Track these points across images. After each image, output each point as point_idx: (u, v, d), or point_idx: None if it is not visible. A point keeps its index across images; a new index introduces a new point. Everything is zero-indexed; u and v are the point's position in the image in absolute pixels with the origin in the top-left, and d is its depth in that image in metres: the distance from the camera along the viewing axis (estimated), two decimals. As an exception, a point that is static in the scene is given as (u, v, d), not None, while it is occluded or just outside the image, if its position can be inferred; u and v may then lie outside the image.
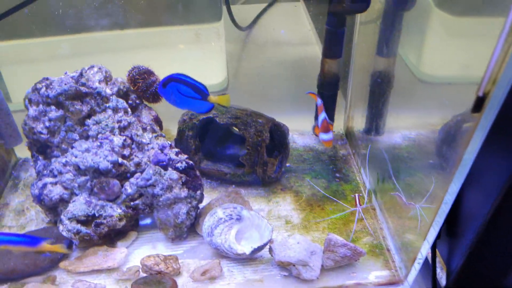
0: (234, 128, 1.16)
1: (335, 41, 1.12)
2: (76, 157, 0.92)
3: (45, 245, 0.84)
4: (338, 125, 1.28)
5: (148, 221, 1.02)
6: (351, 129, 1.24)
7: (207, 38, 1.49)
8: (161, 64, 1.31)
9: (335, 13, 1.06)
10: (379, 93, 1.12)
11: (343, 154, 1.20)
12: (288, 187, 1.11)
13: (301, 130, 1.29)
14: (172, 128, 1.25)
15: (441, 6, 1.03)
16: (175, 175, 0.94)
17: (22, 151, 1.15)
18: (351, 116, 1.24)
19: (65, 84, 0.92)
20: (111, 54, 1.41)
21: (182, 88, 0.81)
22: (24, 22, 1.19)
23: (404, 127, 1.16)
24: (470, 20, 0.87)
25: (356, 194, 1.05)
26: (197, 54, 1.48)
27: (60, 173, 0.93)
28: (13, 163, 1.15)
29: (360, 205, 1.03)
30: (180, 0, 1.36)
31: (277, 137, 1.14)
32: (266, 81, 1.54)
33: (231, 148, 1.20)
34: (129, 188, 0.93)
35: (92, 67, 1.00)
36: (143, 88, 1.06)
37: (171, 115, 1.16)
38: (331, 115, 1.22)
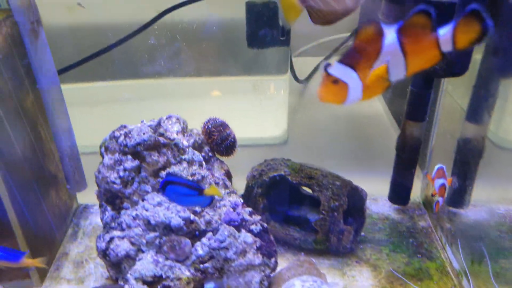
0: (306, 188, 1.09)
1: (420, 103, 1.05)
2: (147, 210, 0.87)
3: (27, 260, 0.80)
4: (415, 193, 1.18)
5: (211, 285, 0.93)
6: (430, 198, 1.14)
7: (272, 90, 1.46)
8: (228, 113, 1.28)
9: (423, 74, 1.00)
10: (466, 161, 1.03)
11: (423, 226, 1.10)
12: (364, 259, 1.01)
13: (373, 194, 1.20)
14: (236, 183, 1.19)
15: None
16: (250, 238, 0.87)
17: (82, 197, 1.11)
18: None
19: (144, 134, 0.88)
20: (176, 101, 1.40)
21: (179, 188, 0.79)
22: (88, 65, 1.20)
23: (491, 200, 1.05)
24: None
25: None
26: (261, 105, 1.45)
27: (129, 227, 0.87)
28: (74, 209, 1.10)
29: None
30: (250, 51, 1.35)
31: (354, 202, 1.05)
32: (326, 137, 1.48)
33: (300, 210, 1.12)
34: (200, 249, 0.86)
35: (170, 117, 0.97)
36: (217, 141, 1.01)
37: (237, 167, 1.11)
38: (410, 182, 1.13)
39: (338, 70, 0.54)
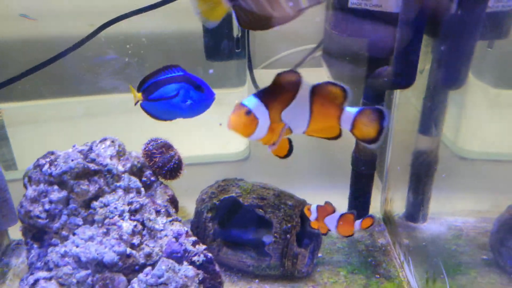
0: (260, 210, 1.02)
1: (372, 117, 1.01)
2: (77, 246, 0.78)
3: None
4: (375, 208, 1.13)
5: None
6: (390, 214, 1.10)
7: (229, 104, 1.41)
8: (185, 129, 1.21)
9: (374, 87, 0.96)
10: (421, 174, 1.00)
11: (382, 243, 1.05)
12: (321, 284, 0.95)
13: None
14: (187, 205, 1.12)
15: (481, 77, 0.94)
16: (191, 271, 0.79)
17: (15, 232, 1.01)
18: (390, 199, 1.10)
19: (72, 161, 0.81)
20: (127, 117, 1.32)
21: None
22: (34, 83, 1.12)
23: (448, 213, 1.02)
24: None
25: None
26: (218, 120, 1.40)
27: (57, 266, 0.78)
28: (5, 247, 1.00)
29: None
30: (206, 64, 1.30)
31: (309, 223, 1.00)
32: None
33: (255, 233, 1.05)
34: (136, 286, 0.78)
35: (105, 139, 0.90)
36: (159, 164, 0.94)
37: (188, 190, 1.04)
38: (367, 197, 1.08)
39: (252, 103, 0.54)
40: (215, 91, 1.39)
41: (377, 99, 0.98)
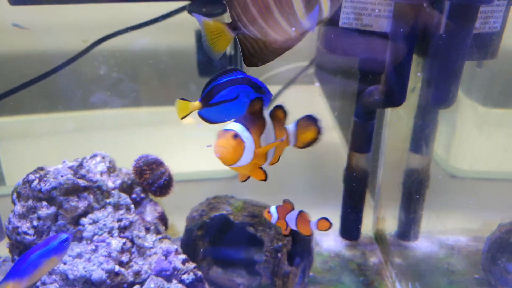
0: (251, 228, 1.02)
1: (363, 134, 1.02)
2: (65, 263, 0.77)
3: None
4: (367, 226, 1.13)
5: None
6: (382, 232, 1.09)
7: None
8: (177, 146, 1.21)
9: (365, 105, 0.97)
10: (413, 192, 1.00)
11: (374, 262, 1.04)
12: (312, 303, 0.94)
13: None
14: (176, 223, 1.11)
15: (470, 96, 0.96)
16: (181, 289, 0.78)
17: (2, 248, 0.99)
18: (381, 217, 1.10)
19: (62, 177, 0.80)
20: (118, 133, 1.32)
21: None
22: (25, 98, 1.12)
23: (440, 231, 1.02)
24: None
25: None
26: (207, 136, 1.39)
27: (44, 283, 0.77)
28: (-9, 263, 0.99)
29: None
30: (194, 80, 1.31)
31: (300, 240, 0.99)
32: (280, 168, 1.43)
33: (246, 252, 1.04)
34: (124, 305, 0.77)
35: (95, 156, 0.89)
36: (149, 180, 0.94)
37: (178, 207, 1.03)
38: (359, 215, 1.08)
39: (237, 128, 0.55)
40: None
41: (368, 117, 0.99)
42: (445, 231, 0.95)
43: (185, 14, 1.15)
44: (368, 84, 0.94)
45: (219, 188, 1.36)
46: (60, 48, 1.17)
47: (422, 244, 0.97)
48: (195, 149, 1.36)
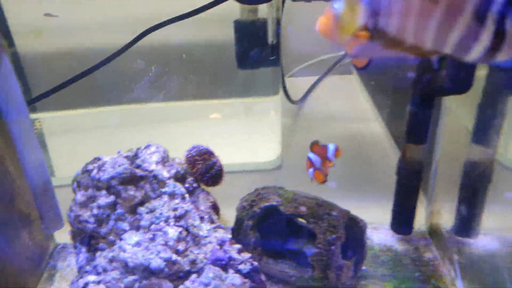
0: (300, 219, 1.00)
1: (420, 125, 0.98)
2: (124, 251, 0.79)
3: None
4: (419, 221, 1.09)
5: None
6: (437, 227, 1.05)
7: (262, 113, 1.40)
8: (218, 138, 1.20)
9: (423, 93, 0.93)
10: (474, 187, 0.95)
11: (429, 258, 1.01)
12: (366, 297, 0.92)
13: (373, 223, 1.12)
14: (225, 212, 1.11)
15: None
16: (238, 279, 0.78)
17: (60, 235, 1.03)
18: (436, 211, 1.06)
19: (119, 166, 0.81)
20: (162, 127, 1.34)
21: None
22: (71, 93, 1.15)
23: (503, 228, 0.97)
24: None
25: None
26: (253, 128, 1.39)
27: (105, 270, 0.78)
28: (51, 250, 1.02)
29: None
30: (238, 73, 1.30)
31: (352, 234, 0.97)
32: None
33: (296, 243, 1.03)
34: (182, 294, 0.77)
35: (149, 146, 0.90)
36: (202, 170, 0.94)
37: (228, 196, 1.03)
38: (412, 210, 1.04)
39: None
40: (246, 100, 1.40)
41: (426, 106, 0.95)
42: (508, 228, 0.90)
43: (224, 4, 1.13)
44: (427, 70, 0.90)
45: (261, 180, 1.36)
46: (101, 44, 1.18)
47: (483, 241, 0.92)
48: (235, 141, 1.36)
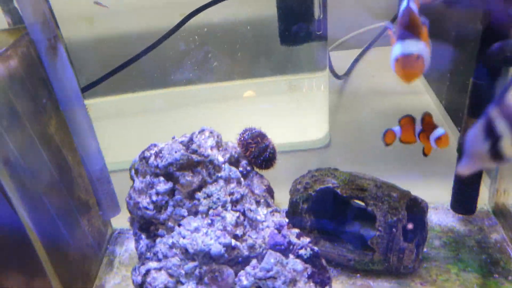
0: (358, 201, 0.97)
1: (484, 97, 0.91)
2: (184, 237, 0.78)
3: None
4: (482, 200, 1.04)
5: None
6: (503, 207, 1.00)
7: (309, 89, 1.36)
8: (263, 117, 1.17)
9: (491, 63, 0.86)
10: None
11: (496, 239, 0.96)
12: (429, 281, 0.88)
13: (432, 202, 1.07)
14: (275, 194, 1.09)
15: None
16: (299, 265, 0.77)
17: (117, 221, 1.04)
18: (502, 189, 1.00)
19: (176, 152, 0.80)
20: (208, 108, 1.32)
21: None
22: (114, 77, 1.14)
23: None
24: None
25: None
26: (299, 106, 1.35)
27: (166, 256, 0.79)
28: (109, 235, 1.04)
29: None
30: (283, 49, 1.26)
31: (413, 216, 0.93)
32: (372, 137, 1.36)
33: (351, 225, 1.01)
34: (244, 279, 0.76)
35: (203, 131, 0.88)
36: (255, 154, 0.92)
37: (276, 177, 1.01)
38: (475, 188, 0.99)
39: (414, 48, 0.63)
40: (293, 76, 1.35)
41: (492, 78, 0.88)
42: None
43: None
44: (494, 39, 0.83)
45: (309, 159, 1.33)
46: (146, 28, 1.17)
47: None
48: (282, 120, 1.33)
